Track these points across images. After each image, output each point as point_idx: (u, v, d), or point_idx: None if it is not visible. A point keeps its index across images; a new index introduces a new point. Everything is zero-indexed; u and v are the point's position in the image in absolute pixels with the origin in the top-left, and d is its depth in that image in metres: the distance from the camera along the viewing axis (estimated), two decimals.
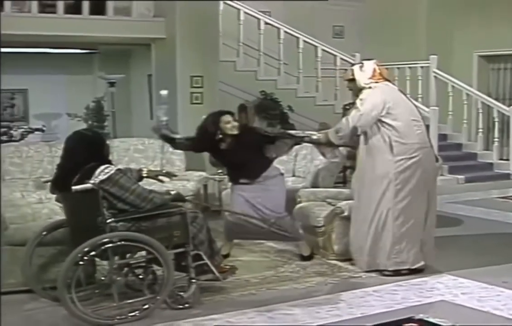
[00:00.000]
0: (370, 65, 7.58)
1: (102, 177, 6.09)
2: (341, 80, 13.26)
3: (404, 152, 7.25)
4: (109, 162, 6.34)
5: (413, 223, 7.32)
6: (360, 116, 7.31)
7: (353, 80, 7.62)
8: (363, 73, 7.54)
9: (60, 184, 6.26)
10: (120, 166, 6.62)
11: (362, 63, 7.67)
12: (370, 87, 7.43)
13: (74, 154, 6.32)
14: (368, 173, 7.40)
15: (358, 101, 7.42)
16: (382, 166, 7.29)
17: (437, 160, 7.66)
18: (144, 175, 6.78)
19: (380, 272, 7.38)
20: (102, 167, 6.17)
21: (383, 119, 7.27)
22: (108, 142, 6.74)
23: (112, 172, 6.17)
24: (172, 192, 6.76)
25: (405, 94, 7.84)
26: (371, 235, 7.37)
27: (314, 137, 7.80)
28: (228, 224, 8.02)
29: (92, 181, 6.05)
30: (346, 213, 7.90)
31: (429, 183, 7.41)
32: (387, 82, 7.59)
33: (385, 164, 7.27)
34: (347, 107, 9.34)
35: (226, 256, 7.76)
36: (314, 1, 15.87)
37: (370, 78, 7.49)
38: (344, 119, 7.54)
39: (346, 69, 14.76)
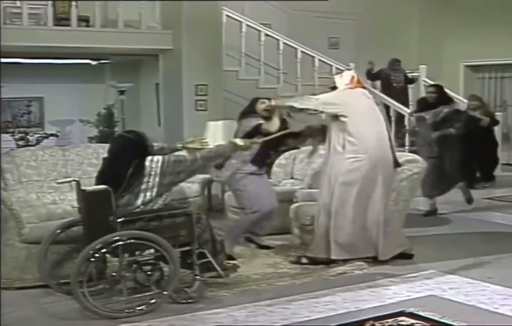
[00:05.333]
0: (349, 74, 7.95)
1: (158, 163, 6.30)
2: None
3: (354, 151, 7.45)
4: None
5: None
6: (312, 101, 7.69)
7: (335, 87, 7.91)
8: (342, 80, 7.85)
9: (108, 182, 6.25)
10: None
11: (342, 72, 8.00)
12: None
13: (122, 155, 6.37)
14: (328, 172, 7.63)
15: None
16: (336, 164, 7.51)
17: (398, 165, 7.80)
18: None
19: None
20: (149, 158, 6.31)
21: (338, 119, 7.50)
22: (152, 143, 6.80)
23: (162, 158, 6.36)
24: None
25: (376, 101, 8.03)
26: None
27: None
28: None
29: (152, 172, 6.25)
30: None
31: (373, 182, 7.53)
32: (362, 90, 7.84)
33: (339, 162, 7.49)
34: None
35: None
36: (311, 13, 15.87)
37: (347, 84, 7.76)
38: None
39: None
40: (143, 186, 6.27)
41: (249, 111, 8.13)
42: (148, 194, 6.29)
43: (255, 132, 7.68)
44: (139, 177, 6.26)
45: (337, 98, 7.68)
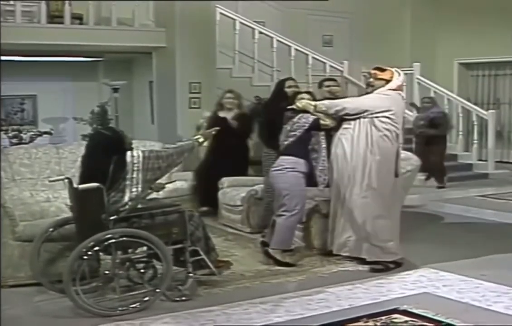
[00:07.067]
0: (402, 78, 7.77)
1: (139, 158, 6.22)
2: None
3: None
4: None
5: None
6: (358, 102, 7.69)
7: (386, 81, 7.64)
8: (398, 79, 7.63)
9: (89, 179, 6.22)
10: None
11: (399, 72, 7.70)
12: (390, 89, 7.57)
13: (99, 151, 6.33)
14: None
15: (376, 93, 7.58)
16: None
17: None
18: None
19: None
20: (129, 153, 6.24)
21: (380, 119, 7.39)
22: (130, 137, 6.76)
23: (142, 153, 6.29)
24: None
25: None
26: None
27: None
28: None
29: (134, 167, 6.18)
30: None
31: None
32: (402, 93, 7.83)
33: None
34: None
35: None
36: (305, 11, 15.86)
37: (399, 86, 7.64)
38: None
39: (335, 76, 14.93)
40: (128, 182, 6.24)
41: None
42: (134, 189, 6.25)
43: (314, 127, 7.63)
44: (122, 173, 6.22)
45: (387, 98, 7.51)
